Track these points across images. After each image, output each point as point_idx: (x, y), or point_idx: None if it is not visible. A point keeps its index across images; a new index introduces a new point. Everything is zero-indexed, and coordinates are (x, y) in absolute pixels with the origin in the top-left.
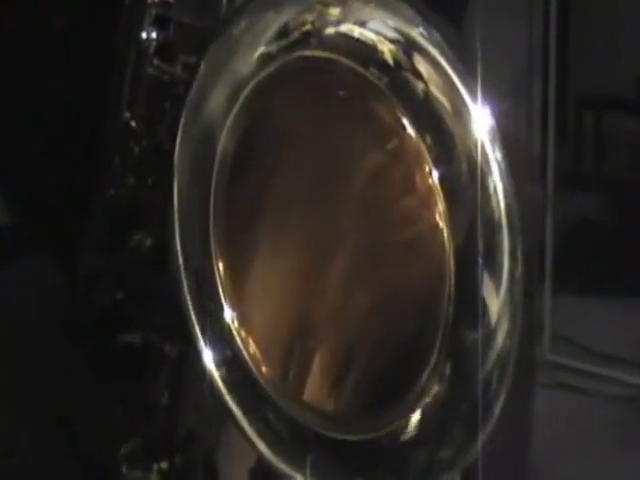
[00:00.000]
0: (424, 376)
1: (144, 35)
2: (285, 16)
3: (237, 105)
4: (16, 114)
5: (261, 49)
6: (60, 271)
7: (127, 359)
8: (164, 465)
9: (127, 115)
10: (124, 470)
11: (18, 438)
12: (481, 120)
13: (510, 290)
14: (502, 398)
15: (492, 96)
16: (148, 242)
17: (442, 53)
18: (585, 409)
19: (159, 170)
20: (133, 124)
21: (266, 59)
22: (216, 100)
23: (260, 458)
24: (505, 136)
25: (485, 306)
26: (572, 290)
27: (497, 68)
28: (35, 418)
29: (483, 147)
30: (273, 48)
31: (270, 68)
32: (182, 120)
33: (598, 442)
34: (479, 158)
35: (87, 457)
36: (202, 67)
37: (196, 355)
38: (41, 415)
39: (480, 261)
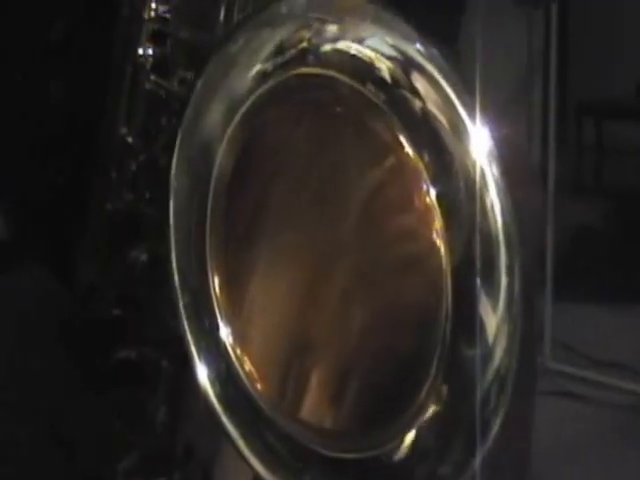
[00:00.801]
0: (422, 393)
1: (141, 51)
2: (282, 33)
3: (234, 122)
4: (13, 128)
5: (257, 67)
6: (57, 284)
7: (124, 373)
8: None
9: (124, 130)
10: None
11: (14, 450)
12: (479, 139)
13: (508, 307)
14: (501, 414)
15: (490, 113)
16: (145, 257)
17: (440, 70)
18: (586, 416)
19: (156, 185)
20: (130, 140)
21: (262, 76)
22: (213, 117)
23: (257, 477)
24: (504, 154)
25: (483, 324)
26: (573, 298)
27: (497, 76)
28: (32, 431)
29: (480, 165)
30: (269, 65)
31: (267, 85)
32: (179, 137)
33: (599, 449)
34: (477, 177)
35: (85, 473)
36: (199, 84)
37: (191, 372)
38: (38, 429)
39: (477, 279)
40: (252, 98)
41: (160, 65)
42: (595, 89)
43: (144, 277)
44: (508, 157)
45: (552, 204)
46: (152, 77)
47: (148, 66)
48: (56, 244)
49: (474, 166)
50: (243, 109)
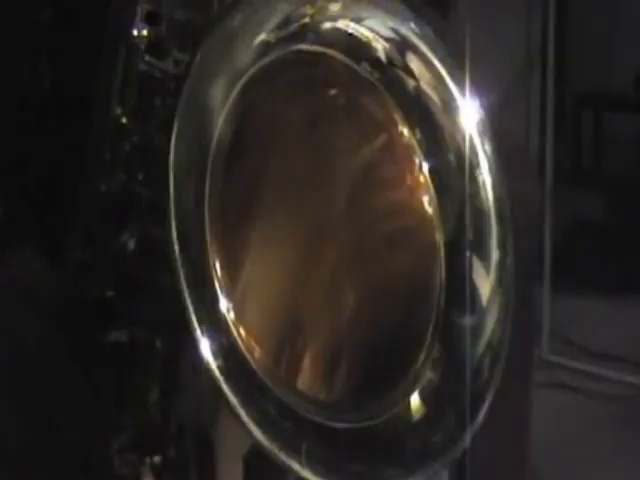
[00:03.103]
0: (417, 363)
1: (135, 31)
2: (287, 7)
3: (233, 94)
4: (5, 108)
5: (262, 36)
6: (48, 265)
7: (118, 354)
8: (156, 459)
9: (118, 111)
10: (116, 465)
11: (4, 435)
12: (469, 112)
13: (499, 279)
14: (494, 386)
15: (480, 88)
16: (138, 237)
17: (434, 51)
18: (583, 408)
19: (150, 166)
20: (124, 120)
21: (265, 47)
22: (213, 89)
23: (256, 445)
24: (495, 128)
25: (475, 292)
26: (570, 290)
27: (496, 67)
28: (23, 414)
29: (472, 140)
30: (272, 37)
31: (267, 58)
32: (179, 109)
33: (597, 441)
34: (467, 150)
35: (78, 453)
36: (198, 58)
37: (193, 345)
38: (29, 410)
39: (469, 248)
40: (252, 70)
41: (154, 46)
42: (594, 80)
43: (137, 258)
44: (499, 133)
45: (550, 195)
46: (146, 58)
47: (142, 47)
48: (49, 225)
49: (465, 142)
50: (243, 80)
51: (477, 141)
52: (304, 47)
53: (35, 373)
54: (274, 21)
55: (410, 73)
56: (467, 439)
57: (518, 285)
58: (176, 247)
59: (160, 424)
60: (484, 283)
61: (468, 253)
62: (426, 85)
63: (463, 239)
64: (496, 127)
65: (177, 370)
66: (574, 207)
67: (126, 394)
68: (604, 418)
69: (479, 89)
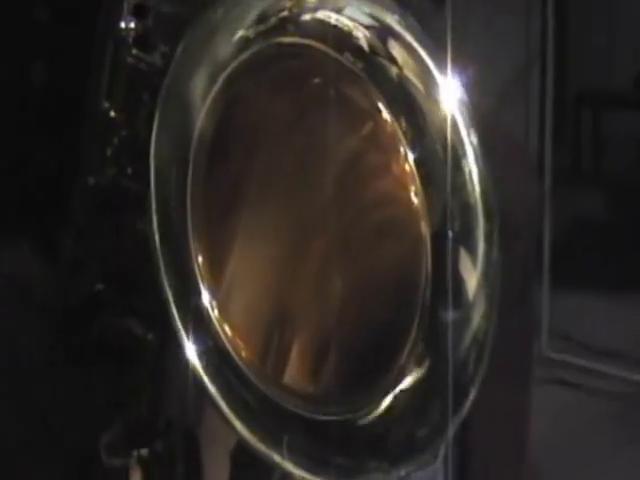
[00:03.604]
0: (402, 357)
1: (123, 24)
2: (265, 1)
3: (215, 88)
4: None
5: (240, 33)
6: (42, 261)
7: (110, 349)
8: (144, 452)
9: (106, 105)
10: (104, 458)
11: None
12: (451, 92)
13: (486, 272)
14: (479, 379)
15: (461, 68)
16: (128, 231)
17: (415, 36)
18: (583, 405)
19: (138, 159)
20: (112, 114)
21: (245, 43)
22: (194, 83)
23: (239, 439)
24: (478, 109)
25: (461, 285)
26: (570, 286)
27: (495, 66)
28: (17, 408)
29: (457, 129)
30: (251, 32)
31: (248, 52)
32: (160, 101)
33: (596, 438)
34: (449, 130)
35: (66, 447)
36: (179, 51)
37: (177, 343)
38: (22, 404)
39: (452, 237)
40: (233, 64)
41: (142, 39)
42: (593, 79)
43: (128, 251)
44: (504, 147)
45: (550, 194)
46: (134, 51)
47: (130, 40)
48: (38, 219)
49: (449, 128)
50: (224, 75)
51: (463, 131)
52: (284, 40)
53: (27, 368)
54: (252, 16)
55: (393, 60)
56: (450, 433)
57: (508, 280)
58: (157, 242)
59: (149, 418)
60: (470, 276)
61: (453, 244)
62: (409, 72)
63: (449, 230)
64: (479, 108)
65: (166, 365)
66: (573, 205)
67: (118, 388)
68: (604, 415)
69: (460, 69)
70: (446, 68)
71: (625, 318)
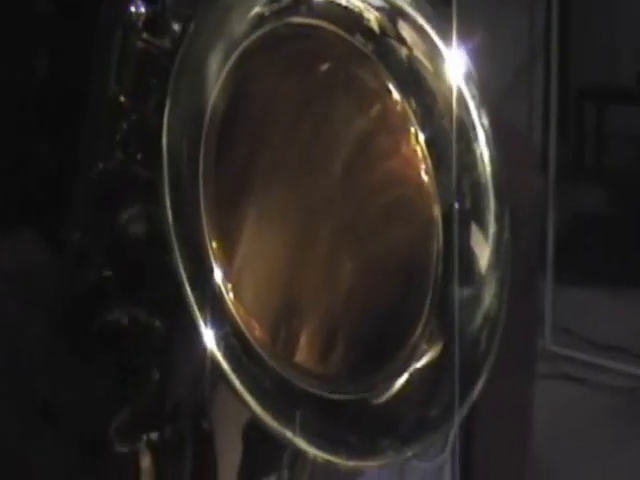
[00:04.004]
0: (415, 336)
1: (132, 8)
2: None
3: (227, 66)
4: (1, 101)
5: (256, 9)
6: (45, 247)
7: (115, 335)
8: (153, 436)
9: (115, 90)
10: (114, 443)
11: (4, 414)
12: (457, 64)
13: (497, 251)
14: (491, 359)
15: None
16: (136, 217)
17: (425, 16)
18: (586, 399)
19: (147, 145)
20: (122, 99)
21: (259, 20)
22: (208, 60)
23: (253, 419)
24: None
25: (472, 262)
26: (573, 281)
27: (499, 61)
28: (22, 395)
29: (468, 111)
30: (266, 10)
31: (261, 30)
32: (172, 80)
33: (599, 432)
34: (454, 99)
35: (73, 435)
36: (193, 27)
37: (185, 328)
38: (28, 391)
39: (462, 213)
40: (246, 42)
41: (152, 23)
42: (597, 74)
43: (135, 238)
44: (508, 141)
45: (553, 189)
46: (144, 35)
47: (140, 24)
48: (46, 206)
49: (462, 112)
50: (237, 52)
51: (474, 113)
52: (297, 20)
53: (35, 356)
54: None
55: (403, 41)
56: (462, 412)
57: (517, 267)
58: (171, 226)
59: (158, 402)
60: (482, 252)
61: (465, 221)
62: (419, 52)
63: (461, 210)
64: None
65: (175, 349)
66: (576, 200)
67: (126, 375)
68: (607, 409)
69: (467, 43)
70: (450, 38)
71: (628, 313)
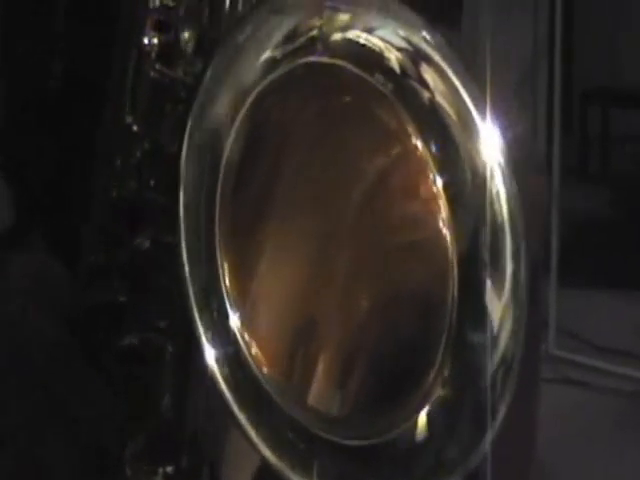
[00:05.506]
0: (429, 378)
1: (146, 39)
2: (292, 20)
3: (243, 109)
4: (18, 113)
5: (267, 54)
6: (61, 271)
7: (129, 360)
8: (169, 469)
9: (129, 119)
10: (128, 474)
11: (16, 439)
12: (487, 131)
13: (514, 293)
14: (507, 399)
15: (497, 104)
16: (149, 243)
17: (448, 62)
18: (590, 403)
19: (161, 172)
20: (135, 128)
21: (272, 64)
22: (222, 105)
23: (265, 463)
24: (509, 142)
25: (488, 309)
26: (577, 285)
27: (502, 64)
28: (37, 416)
29: (488, 155)
30: (278, 53)
31: (275, 73)
32: (188, 125)
33: (603, 436)
34: (485, 168)
35: (91, 459)
36: (208, 73)
37: (199, 355)
38: (42, 413)
39: (484, 266)
40: (261, 86)
41: (165, 54)
42: (601, 76)
43: (148, 263)
44: (513, 145)
45: (557, 192)
46: (157, 66)
47: (153, 55)
48: (60, 231)
49: (481, 156)
50: (252, 97)
51: (493, 156)
52: (313, 59)
53: (49, 377)
54: (280, 35)
55: (424, 84)
56: (484, 452)
57: (531, 297)
58: (185, 257)
59: (173, 432)
60: (498, 297)
61: (481, 270)
62: (441, 97)
63: (477, 253)
64: (510, 138)
65: (189, 376)
66: (581, 203)
67: (140, 400)
68: (610, 413)
69: (494, 102)
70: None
71: (632, 316)
